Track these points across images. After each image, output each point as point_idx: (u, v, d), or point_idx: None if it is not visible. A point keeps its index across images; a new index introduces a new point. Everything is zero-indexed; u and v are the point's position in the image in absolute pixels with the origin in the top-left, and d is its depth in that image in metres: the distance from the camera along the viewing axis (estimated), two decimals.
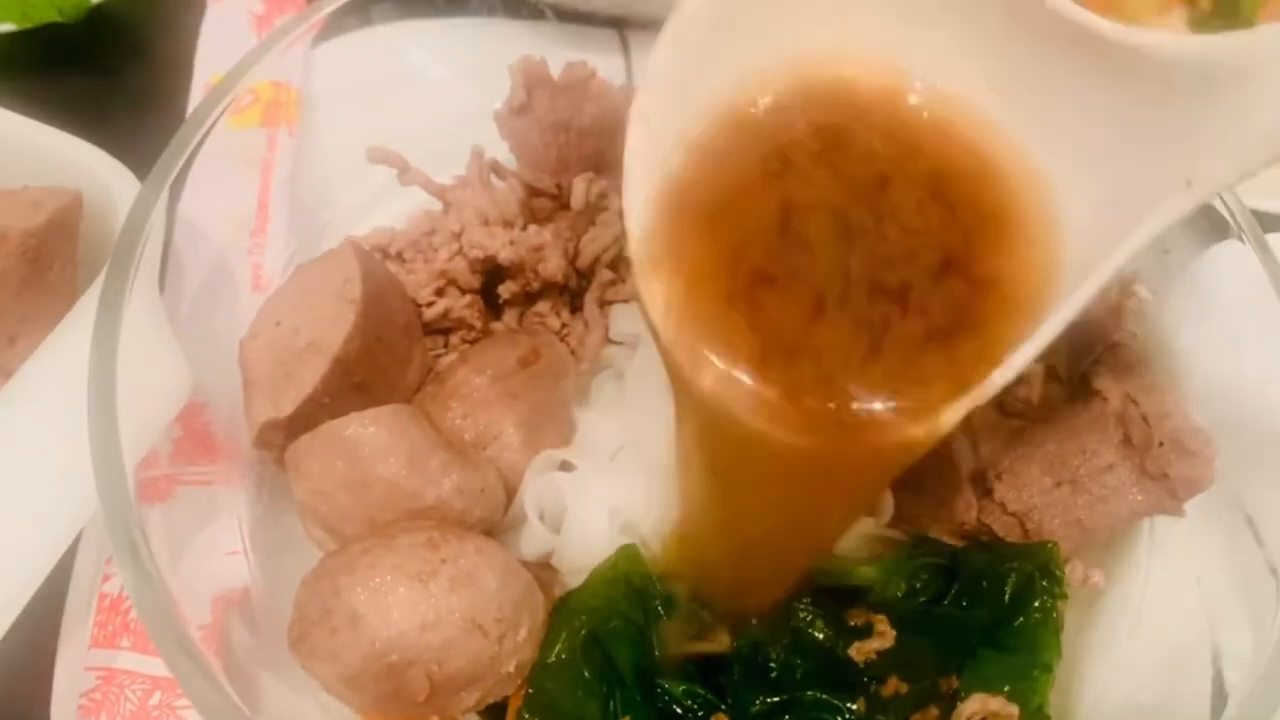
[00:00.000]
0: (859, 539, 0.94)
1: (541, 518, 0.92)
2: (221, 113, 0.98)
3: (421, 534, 0.81)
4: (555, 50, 1.14)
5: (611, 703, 0.82)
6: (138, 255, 0.85)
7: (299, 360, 0.87)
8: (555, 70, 1.10)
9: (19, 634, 0.81)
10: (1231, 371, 0.99)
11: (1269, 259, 0.94)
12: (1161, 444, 0.89)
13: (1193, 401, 0.93)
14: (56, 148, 0.98)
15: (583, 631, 0.83)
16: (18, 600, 0.79)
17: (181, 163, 0.92)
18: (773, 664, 0.83)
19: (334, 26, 1.16)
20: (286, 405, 0.86)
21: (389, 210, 1.13)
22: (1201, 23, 1.62)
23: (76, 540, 0.87)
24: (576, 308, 1.07)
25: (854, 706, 0.81)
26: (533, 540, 0.92)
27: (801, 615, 0.85)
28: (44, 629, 0.93)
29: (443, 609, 0.77)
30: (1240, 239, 0.99)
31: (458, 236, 1.01)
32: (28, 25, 1.29)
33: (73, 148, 0.98)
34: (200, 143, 0.96)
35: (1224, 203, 1.00)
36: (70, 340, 0.87)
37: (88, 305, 0.88)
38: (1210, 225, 1.02)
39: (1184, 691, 0.86)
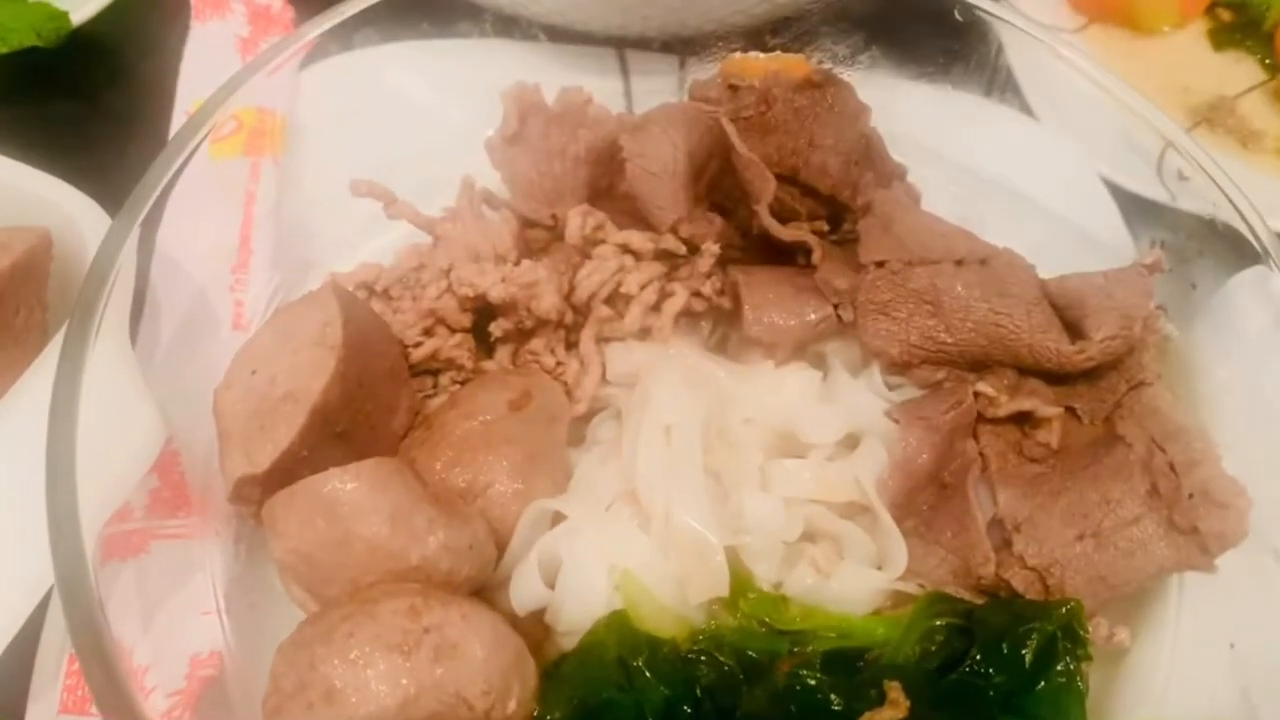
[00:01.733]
0: (870, 594, 0.89)
1: None
2: (200, 141, 0.94)
3: (404, 600, 0.76)
4: (550, 72, 1.10)
5: None
6: (104, 297, 0.81)
7: (275, 411, 0.82)
8: (550, 94, 1.06)
9: None
10: (1263, 412, 0.94)
11: None
12: (1191, 495, 0.84)
13: (1222, 446, 0.87)
14: (22, 183, 0.94)
15: (574, 701, 0.78)
16: None
17: (154, 197, 0.88)
18: None
19: (321, 50, 1.11)
20: (262, 460, 0.81)
21: (378, 242, 1.09)
22: (1221, 34, 1.57)
23: (46, 597, 0.82)
24: (572, 345, 1.02)
25: None
26: (526, 592, 0.87)
27: (809, 682, 0.80)
28: (10, 691, 0.88)
29: (425, 682, 0.72)
30: (1268, 265, 0.94)
31: (447, 273, 0.97)
32: (4, 50, 1.24)
33: (40, 183, 0.94)
34: (177, 174, 0.92)
35: (1248, 226, 0.96)
36: (35, 390, 0.82)
37: (54, 353, 0.83)
38: (1234, 252, 0.98)
39: None
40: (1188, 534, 0.84)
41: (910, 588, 0.89)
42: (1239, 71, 1.54)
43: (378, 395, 0.89)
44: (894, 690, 0.78)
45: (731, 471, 0.91)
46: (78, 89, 1.32)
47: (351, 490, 0.79)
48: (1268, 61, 1.54)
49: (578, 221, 1.00)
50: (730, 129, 0.98)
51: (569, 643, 0.85)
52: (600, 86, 1.09)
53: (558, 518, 0.90)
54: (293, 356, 0.84)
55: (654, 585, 0.86)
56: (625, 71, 1.27)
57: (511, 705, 0.76)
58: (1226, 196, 0.95)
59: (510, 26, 1.18)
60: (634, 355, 0.99)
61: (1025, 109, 1.24)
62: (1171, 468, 0.85)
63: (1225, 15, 1.57)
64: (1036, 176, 1.20)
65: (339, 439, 0.85)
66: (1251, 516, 0.83)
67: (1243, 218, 0.94)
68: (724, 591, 0.85)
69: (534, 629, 0.87)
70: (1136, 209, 1.16)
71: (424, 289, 0.97)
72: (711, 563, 0.85)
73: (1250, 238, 0.93)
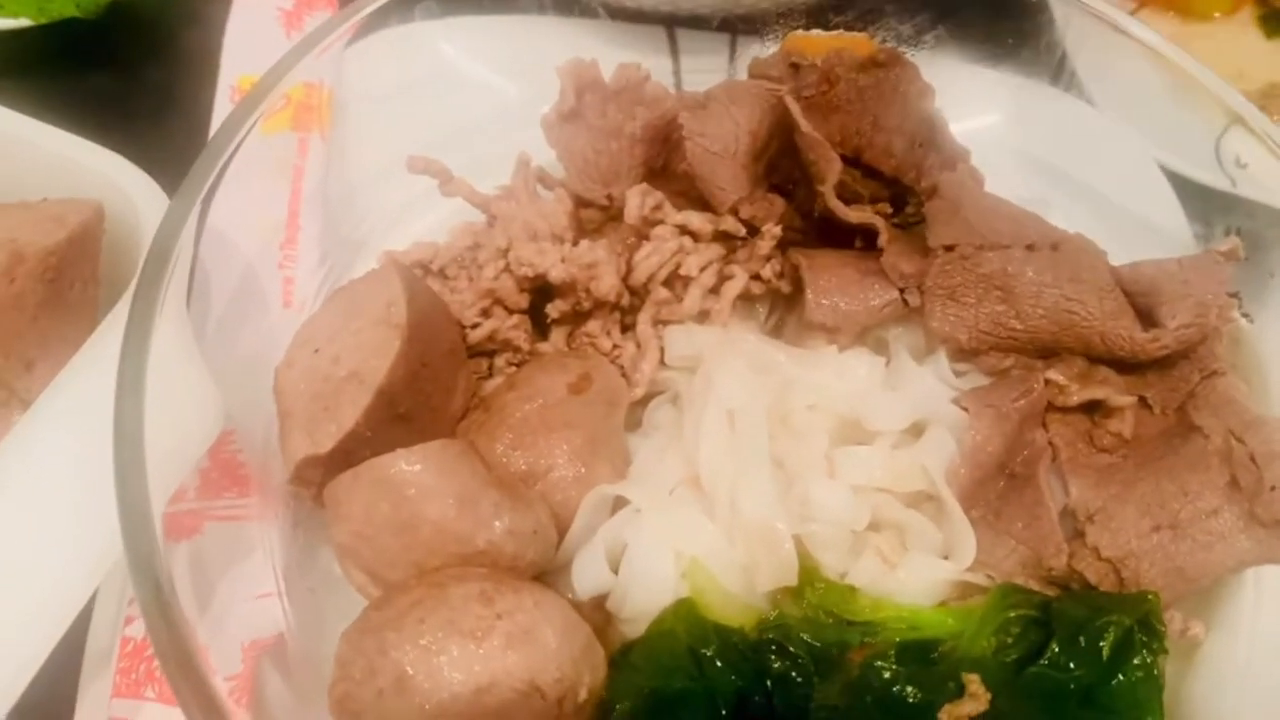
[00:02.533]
0: (937, 584, 0.87)
1: None
2: (256, 121, 0.92)
3: (475, 585, 0.74)
4: (600, 49, 1.07)
5: None
6: (167, 278, 0.79)
7: (339, 392, 0.80)
8: (604, 71, 1.04)
9: (34, 680, 0.74)
10: None
11: None
12: (1274, 488, 0.82)
13: None
14: (75, 155, 0.91)
15: (645, 691, 0.76)
16: (38, 656, 0.72)
17: (214, 176, 0.86)
18: None
19: (370, 23, 1.08)
20: (326, 441, 0.80)
21: (426, 220, 1.07)
22: (1272, 20, 1.54)
23: None
24: (628, 327, 1.00)
25: None
26: (589, 577, 0.85)
27: (884, 674, 0.78)
28: (62, 676, 0.86)
29: (499, 670, 0.71)
30: None
31: (505, 253, 0.95)
32: (44, 20, 1.22)
33: (92, 155, 0.91)
34: (233, 154, 0.90)
35: None
36: (93, 367, 0.80)
37: (111, 329, 0.81)
38: None
39: None
40: (1270, 527, 0.82)
41: (979, 579, 0.87)
42: None
43: (439, 376, 0.87)
44: (974, 683, 0.76)
45: (796, 459, 0.89)
46: (117, 61, 1.30)
47: (419, 472, 0.77)
48: None
49: (636, 201, 0.98)
50: (795, 108, 0.96)
51: (631, 630, 0.84)
52: (649, 65, 1.07)
53: (619, 504, 0.88)
54: (356, 336, 0.82)
55: (720, 573, 0.84)
56: (675, 51, 1.25)
57: (583, 694, 0.75)
58: None
59: (570, 2, 1.15)
60: (693, 339, 0.97)
61: (1085, 96, 1.22)
62: (1252, 459, 0.83)
63: (1276, 1, 1.54)
64: (1094, 162, 1.18)
65: (401, 420, 0.83)
66: None
67: None
68: (792, 580, 0.83)
69: (594, 616, 0.85)
70: (1195, 196, 1.13)
71: (481, 269, 0.95)
72: (780, 551, 0.83)
73: None
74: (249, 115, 0.88)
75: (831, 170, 0.96)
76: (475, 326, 0.94)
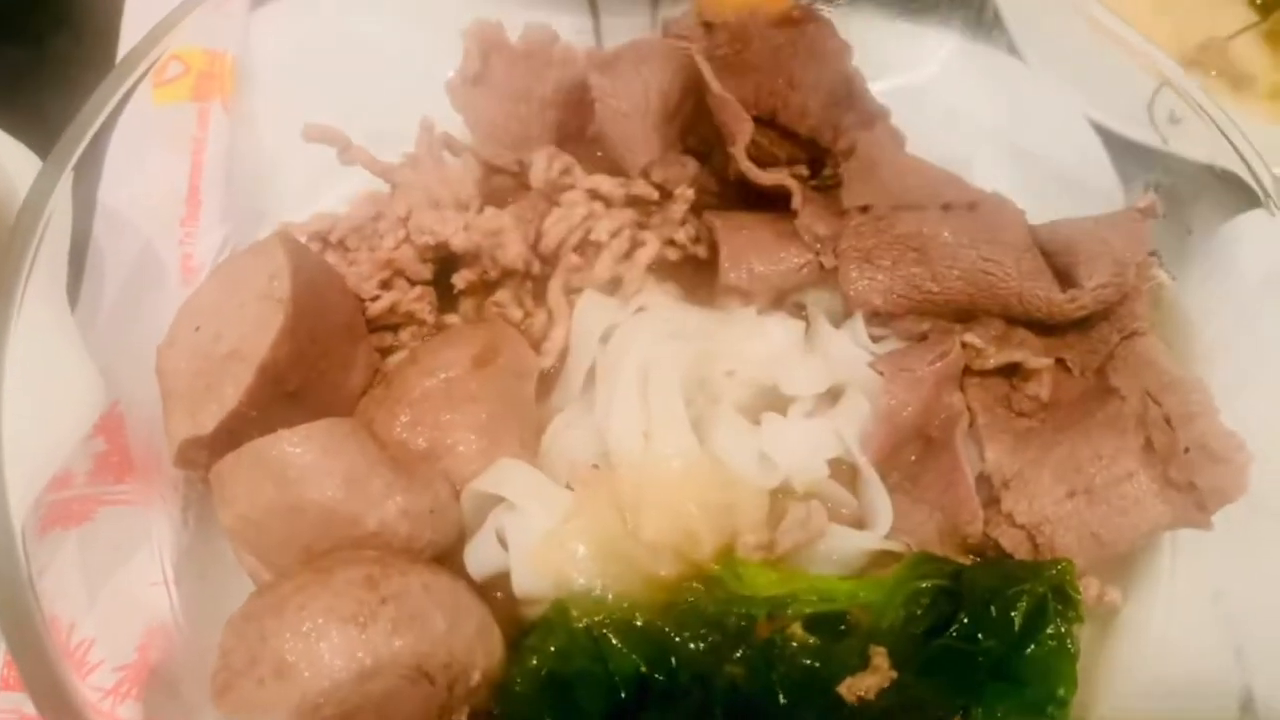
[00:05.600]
0: (854, 554, 0.85)
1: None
2: (138, 81, 0.88)
3: (360, 569, 0.72)
4: (518, 11, 1.04)
5: None
6: (33, 247, 0.75)
7: (220, 370, 0.77)
8: (514, 33, 1.00)
9: None
10: (1260, 363, 0.90)
11: None
12: (1188, 450, 0.80)
13: (1219, 398, 0.84)
14: None
15: (542, 672, 0.74)
16: None
17: (87, 141, 0.82)
18: (757, 702, 0.75)
19: None
20: (208, 421, 0.76)
21: (336, 193, 1.03)
22: None
23: None
24: (539, 296, 0.97)
25: None
26: (481, 559, 0.82)
27: (790, 647, 0.76)
28: None
29: (383, 656, 0.68)
30: (1269, 208, 0.89)
31: (404, 221, 0.91)
32: None
33: None
34: (113, 116, 0.86)
35: (1250, 171, 0.91)
36: None
37: None
38: (1234, 196, 0.93)
39: None
40: (1184, 490, 0.80)
41: (896, 546, 0.85)
42: (1229, 13, 1.49)
43: (332, 352, 0.84)
44: (879, 656, 0.75)
45: (712, 423, 0.87)
46: (17, 34, 1.25)
47: (302, 453, 0.74)
48: (1258, 1, 1.49)
49: (543, 164, 0.95)
50: (705, 67, 0.93)
51: (533, 612, 0.81)
52: (567, 25, 1.03)
53: None
54: (238, 311, 0.79)
55: (624, 551, 0.82)
56: (595, 9, 1.21)
57: (476, 677, 0.72)
58: (1227, 138, 0.90)
59: None
60: (605, 306, 0.94)
61: (1012, 49, 1.19)
62: (1168, 421, 0.81)
63: None
64: (1023, 120, 1.15)
65: (291, 399, 0.80)
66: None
67: (1243, 160, 0.89)
68: (709, 542, 0.81)
69: (505, 598, 0.83)
70: (1127, 153, 1.11)
71: (381, 239, 0.92)
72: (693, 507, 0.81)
73: (1250, 181, 0.89)
74: (130, 73, 0.85)
75: (743, 131, 0.93)
76: (375, 299, 0.91)
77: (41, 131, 0.92)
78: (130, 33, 1.17)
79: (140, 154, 0.97)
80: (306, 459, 0.74)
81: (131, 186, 0.97)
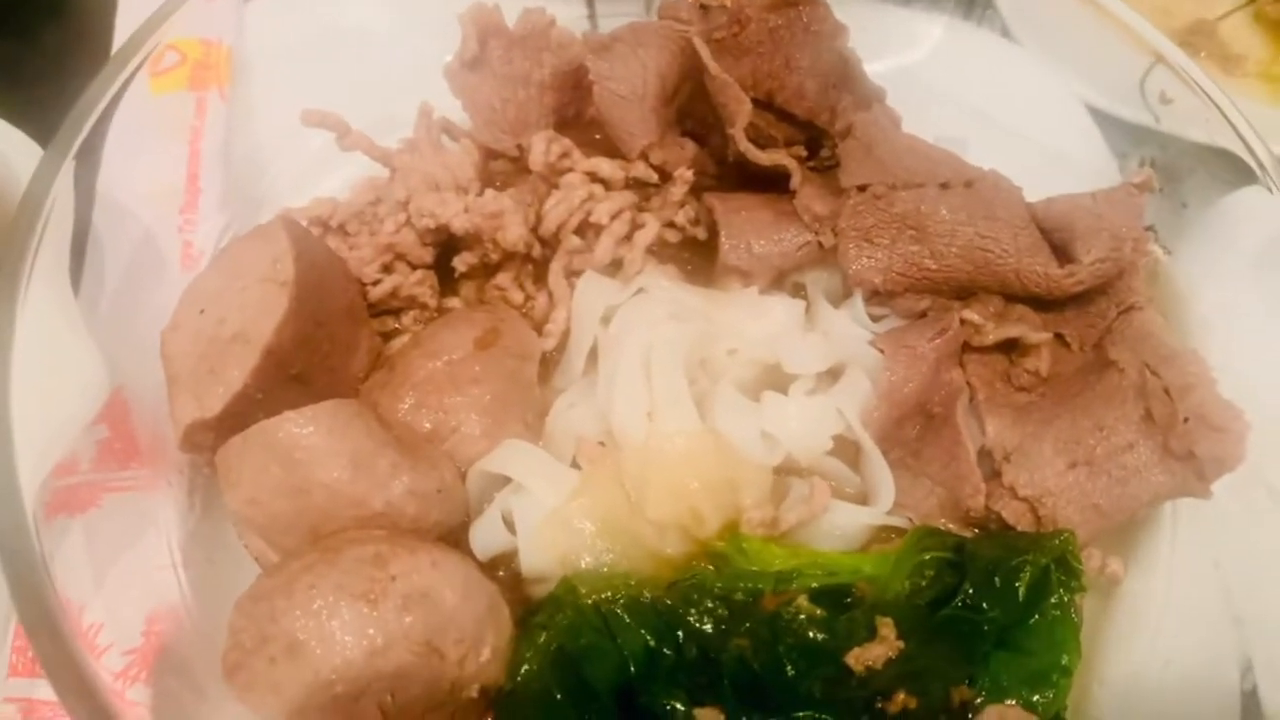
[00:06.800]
0: (857, 529, 0.86)
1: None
2: (136, 70, 0.88)
3: (369, 547, 0.72)
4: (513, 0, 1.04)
5: None
6: (37, 235, 0.75)
7: (225, 353, 0.77)
8: (511, 18, 1.00)
9: None
10: (1257, 333, 0.91)
11: None
12: (1187, 420, 0.80)
13: (1216, 369, 0.84)
14: None
15: (551, 648, 0.74)
16: None
17: (87, 129, 0.82)
18: (765, 674, 0.75)
19: None
20: (213, 403, 0.77)
21: (335, 179, 1.03)
22: None
23: None
24: (540, 278, 0.97)
25: None
26: (486, 539, 0.83)
27: (798, 619, 0.76)
28: None
29: (394, 632, 0.69)
30: (1268, 187, 0.90)
31: (405, 205, 0.92)
32: None
33: None
34: (113, 105, 0.86)
35: (1247, 147, 0.92)
36: None
37: None
38: (1231, 172, 0.94)
39: (1213, 691, 0.79)
40: (1184, 460, 0.81)
41: (899, 521, 0.86)
42: None
43: (335, 335, 0.85)
44: (885, 626, 0.75)
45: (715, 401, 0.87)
46: (12, 24, 1.25)
47: (309, 434, 0.75)
48: None
49: (541, 147, 0.95)
50: (703, 48, 0.93)
51: (539, 591, 0.82)
52: (562, 12, 1.03)
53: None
54: (242, 294, 0.79)
55: (630, 528, 0.82)
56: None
57: (485, 653, 0.73)
58: (1223, 113, 0.91)
59: None
60: (606, 288, 0.95)
61: (1005, 32, 1.19)
62: (1166, 392, 0.82)
63: None
64: (1016, 100, 1.16)
65: (295, 381, 0.81)
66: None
67: (1239, 135, 0.90)
68: (716, 517, 0.82)
69: (510, 577, 0.83)
70: (1119, 131, 1.12)
71: (381, 223, 0.92)
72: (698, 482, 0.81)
73: (1246, 156, 0.89)
74: (128, 62, 0.85)
75: (742, 112, 0.93)
76: (376, 283, 0.91)
77: (39, 122, 0.92)
78: (125, 24, 1.17)
79: (139, 143, 0.97)
80: (313, 440, 0.74)
81: (131, 176, 0.98)
